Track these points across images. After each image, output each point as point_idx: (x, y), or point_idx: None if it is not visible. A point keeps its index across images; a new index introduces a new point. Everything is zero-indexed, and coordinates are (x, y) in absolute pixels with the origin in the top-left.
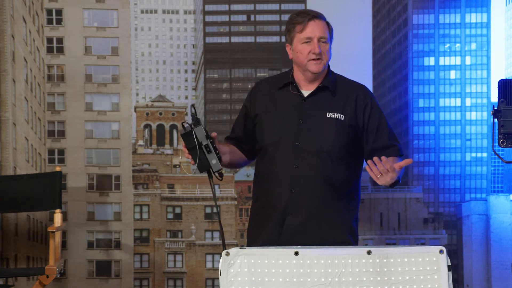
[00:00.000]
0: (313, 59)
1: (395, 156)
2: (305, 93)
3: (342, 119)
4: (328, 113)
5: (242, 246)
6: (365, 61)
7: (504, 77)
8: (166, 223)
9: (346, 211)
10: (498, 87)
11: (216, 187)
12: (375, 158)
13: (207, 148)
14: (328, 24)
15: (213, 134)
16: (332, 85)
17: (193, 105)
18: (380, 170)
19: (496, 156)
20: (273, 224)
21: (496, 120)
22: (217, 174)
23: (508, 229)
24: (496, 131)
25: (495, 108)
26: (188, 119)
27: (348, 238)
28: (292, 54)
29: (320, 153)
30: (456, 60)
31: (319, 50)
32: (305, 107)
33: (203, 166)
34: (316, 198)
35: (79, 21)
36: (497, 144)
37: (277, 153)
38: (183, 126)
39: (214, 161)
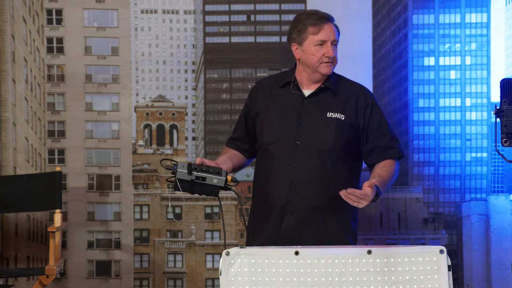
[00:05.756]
0: (325, 62)
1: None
2: (306, 92)
3: (343, 119)
4: (328, 113)
5: (242, 246)
6: (365, 61)
7: (504, 77)
8: (166, 223)
9: (344, 211)
10: (501, 86)
11: None
12: (343, 193)
13: (199, 178)
14: (336, 26)
15: (197, 160)
16: (334, 86)
17: (162, 161)
18: (354, 200)
19: (496, 156)
20: (272, 222)
21: (498, 119)
22: (231, 184)
23: (508, 229)
24: (499, 130)
25: (498, 107)
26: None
27: (346, 238)
28: (301, 55)
29: (319, 152)
30: (456, 60)
31: (334, 53)
32: (306, 107)
33: (213, 192)
34: (315, 198)
35: (79, 21)
36: (499, 143)
37: (277, 152)
38: (169, 181)
39: (215, 180)
